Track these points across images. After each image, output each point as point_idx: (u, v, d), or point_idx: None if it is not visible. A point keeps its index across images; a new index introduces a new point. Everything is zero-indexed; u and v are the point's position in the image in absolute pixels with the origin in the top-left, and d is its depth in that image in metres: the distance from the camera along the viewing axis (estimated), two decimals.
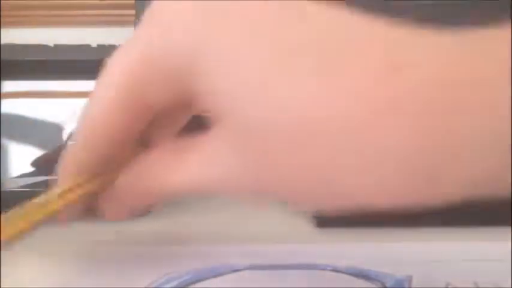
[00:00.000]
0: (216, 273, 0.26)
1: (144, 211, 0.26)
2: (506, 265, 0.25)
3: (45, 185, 0.36)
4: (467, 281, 0.25)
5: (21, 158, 0.40)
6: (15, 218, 0.22)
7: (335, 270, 0.26)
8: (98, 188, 0.25)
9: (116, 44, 0.26)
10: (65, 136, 0.36)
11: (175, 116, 0.26)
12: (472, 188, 0.18)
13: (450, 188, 0.18)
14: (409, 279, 0.25)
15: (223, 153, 0.21)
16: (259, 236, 0.32)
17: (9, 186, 0.36)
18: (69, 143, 0.36)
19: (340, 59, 0.18)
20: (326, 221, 0.33)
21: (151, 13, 0.22)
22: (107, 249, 0.30)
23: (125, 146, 0.24)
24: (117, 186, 0.24)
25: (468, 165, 0.17)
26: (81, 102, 0.24)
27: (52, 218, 0.23)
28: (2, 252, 0.21)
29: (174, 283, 0.25)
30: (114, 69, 0.22)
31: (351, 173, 0.18)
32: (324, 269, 0.26)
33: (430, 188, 0.18)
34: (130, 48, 0.22)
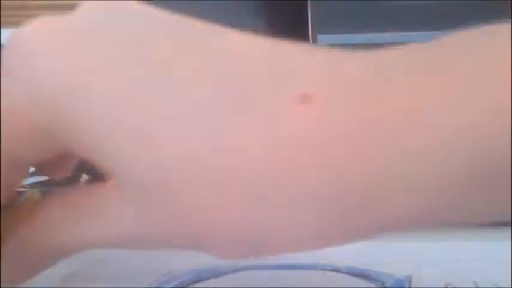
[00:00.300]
0: (216, 273, 0.26)
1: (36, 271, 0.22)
2: (506, 265, 0.25)
3: (45, 185, 0.36)
4: (467, 281, 0.25)
5: None
6: None
7: (335, 270, 0.26)
8: None
9: None
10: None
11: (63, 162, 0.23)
12: (397, 227, 0.16)
13: (366, 228, 0.17)
14: (409, 279, 0.25)
15: (120, 210, 0.18)
16: None
17: None
18: None
19: (242, 97, 0.16)
20: None
21: (9, 51, 0.18)
22: (107, 249, 0.30)
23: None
24: (11, 242, 0.20)
25: (386, 206, 0.15)
26: None
27: None
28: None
29: (174, 283, 0.25)
30: None
31: (263, 219, 0.16)
32: (324, 269, 0.26)
33: (346, 228, 0.16)
34: None
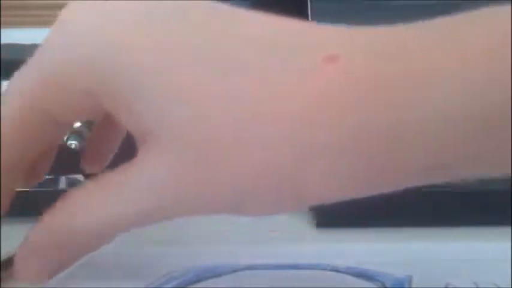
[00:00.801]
0: (216, 273, 0.26)
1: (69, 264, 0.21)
2: (506, 265, 0.25)
3: (45, 185, 0.36)
4: (467, 281, 0.25)
5: None
6: None
7: (335, 270, 0.26)
8: None
9: None
10: (64, 136, 0.36)
11: (105, 141, 0.25)
12: (421, 176, 0.18)
13: (394, 177, 0.18)
14: (409, 279, 0.25)
15: (156, 172, 0.18)
16: (259, 236, 0.32)
17: None
18: (69, 142, 0.36)
19: (272, 55, 0.17)
20: (326, 221, 0.33)
21: (57, 24, 0.20)
22: (107, 249, 0.30)
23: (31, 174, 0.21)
24: (36, 234, 0.20)
25: (410, 155, 0.17)
26: None
27: None
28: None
29: (174, 283, 0.25)
30: (13, 91, 0.20)
31: (300, 170, 0.17)
32: (324, 269, 0.26)
33: (372, 179, 0.18)
34: (33, 66, 0.20)
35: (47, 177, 0.37)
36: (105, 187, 0.19)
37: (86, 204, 0.19)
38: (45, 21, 0.20)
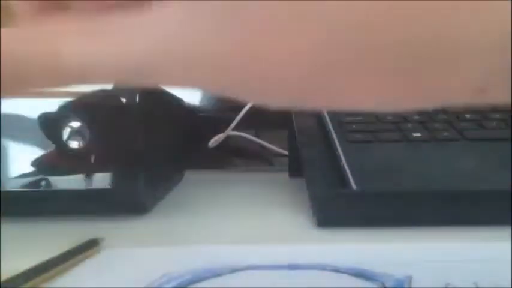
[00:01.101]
0: (216, 273, 0.26)
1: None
2: (506, 265, 0.25)
3: (45, 185, 0.36)
4: (467, 281, 0.25)
5: (21, 158, 0.40)
6: None
7: (335, 270, 0.26)
8: None
9: None
10: (65, 136, 0.36)
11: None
12: (463, 97, 0.18)
13: (435, 94, 0.18)
14: (409, 279, 0.25)
15: (178, 27, 0.17)
16: (259, 236, 0.32)
17: (9, 186, 0.36)
18: (70, 143, 0.36)
19: None
20: (327, 220, 0.33)
21: None
22: (107, 249, 0.30)
23: None
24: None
25: (452, 76, 0.17)
26: None
27: None
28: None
29: (174, 283, 0.25)
30: None
31: (335, 70, 0.17)
32: (324, 269, 0.26)
33: (412, 93, 0.18)
34: None
35: (47, 177, 0.37)
36: (107, 26, 0.17)
37: (80, 39, 0.17)
38: None
